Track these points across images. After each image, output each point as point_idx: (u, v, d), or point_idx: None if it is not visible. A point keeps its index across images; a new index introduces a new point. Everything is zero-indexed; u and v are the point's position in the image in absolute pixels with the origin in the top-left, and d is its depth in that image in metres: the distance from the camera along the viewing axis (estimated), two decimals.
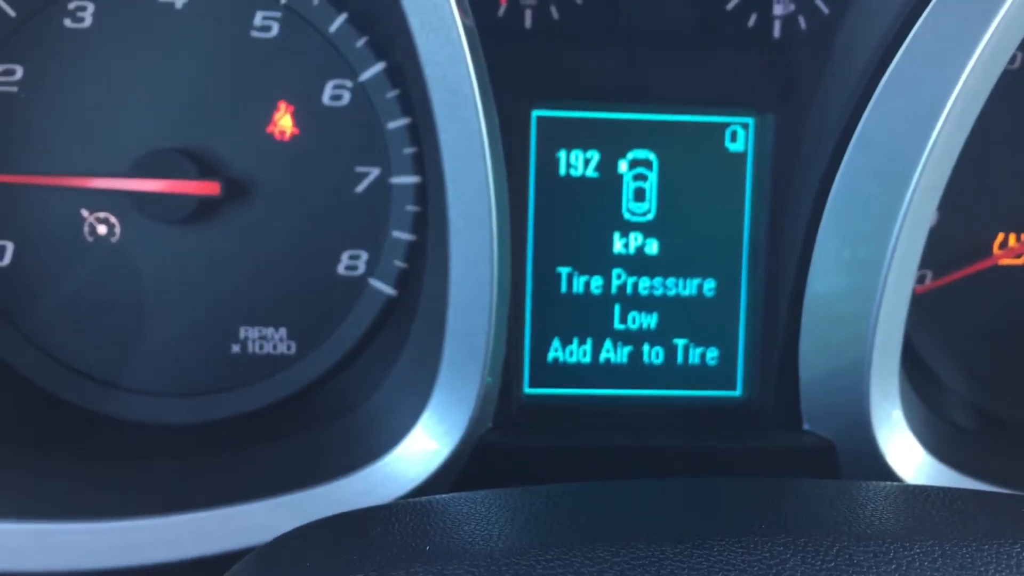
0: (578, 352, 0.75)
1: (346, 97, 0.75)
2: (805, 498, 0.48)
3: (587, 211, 0.74)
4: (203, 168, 0.73)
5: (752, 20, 0.74)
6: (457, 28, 0.62)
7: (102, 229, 0.75)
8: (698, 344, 0.75)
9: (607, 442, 0.72)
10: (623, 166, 0.74)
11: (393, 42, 0.73)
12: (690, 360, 0.76)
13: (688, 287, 0.75)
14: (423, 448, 0.67)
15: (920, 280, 0.79)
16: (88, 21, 0.73)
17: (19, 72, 0.73)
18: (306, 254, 0.76)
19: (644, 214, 0.74)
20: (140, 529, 0.63)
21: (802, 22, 0.75)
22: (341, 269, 0.77)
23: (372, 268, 0.77)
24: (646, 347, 0.75)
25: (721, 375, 0.76)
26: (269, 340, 0.77)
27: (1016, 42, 0.63)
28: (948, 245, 0.78)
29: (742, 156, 0.74)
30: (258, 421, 0.77)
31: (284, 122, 0.75)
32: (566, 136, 0.73)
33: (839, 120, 0.69)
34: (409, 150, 0.75)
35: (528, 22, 0.74)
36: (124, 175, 0.73)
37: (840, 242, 0.68)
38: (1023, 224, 0.80)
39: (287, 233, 0.76)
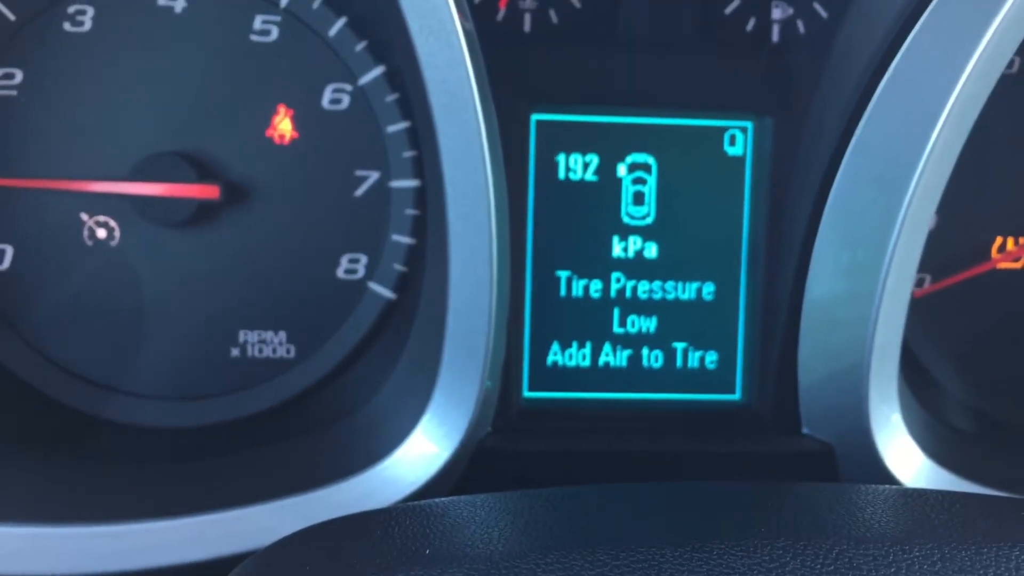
0: (577, 356, 0.75)
1: (345, 101, 0.75)
2: (804, 501, 0.48)
3: (586, 215, 0.74)
4: (202, 172, 0.73)
5: (751, 24, 0.75)
6: (456, 32, 0.62)
7: (101, 233, 0.75)
8: (697, 348, 0.76)
9: (606, 446, 0.72)
10: (622, 170, 0.74)
11: (392, 46, 0.73)
12: (689, 364, 0.76)
13: (687, 291, 0.75)
14: (423, 452, 0.67)
15: (919, 284, 0.79)
16: (88, 25, 0.73)
17: (19, 76, 0.73)
18: (305, 258, 0.76)
19: (643, 218, 0.74)
20: (139, 533, 0.62)
21: (800, 26, 0.75)
22: (341, 273, 0.77)
23: (371, 272, 0.77)
24: (645, 351, 0.75)
25: (720, 379, 0.76)
26: (269, 344, 0.77)
27: (1014, 47, 0.63)
28: (947, 249, 0.79)
29: (741, 160, 0.74)
30: (257, 425, 0.77)
31: (284, 126, 0.75)
32: (565, 140, 0.73)
33: (837, 124, 0.69)
34: (408, 154, 0.75)
35: (527, 26, 0.74)
36: (124, 179, 0.73)
37: (839, 246, 0.69)
38: (1021, 228, 0.80)
39: (286, 236, 0.76)
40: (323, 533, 0.47)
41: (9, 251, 0.75)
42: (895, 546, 0.41)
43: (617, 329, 0.75)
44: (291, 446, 0.73)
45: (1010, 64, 0.77)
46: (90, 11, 0.73)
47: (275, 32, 0.74)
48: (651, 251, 0.74)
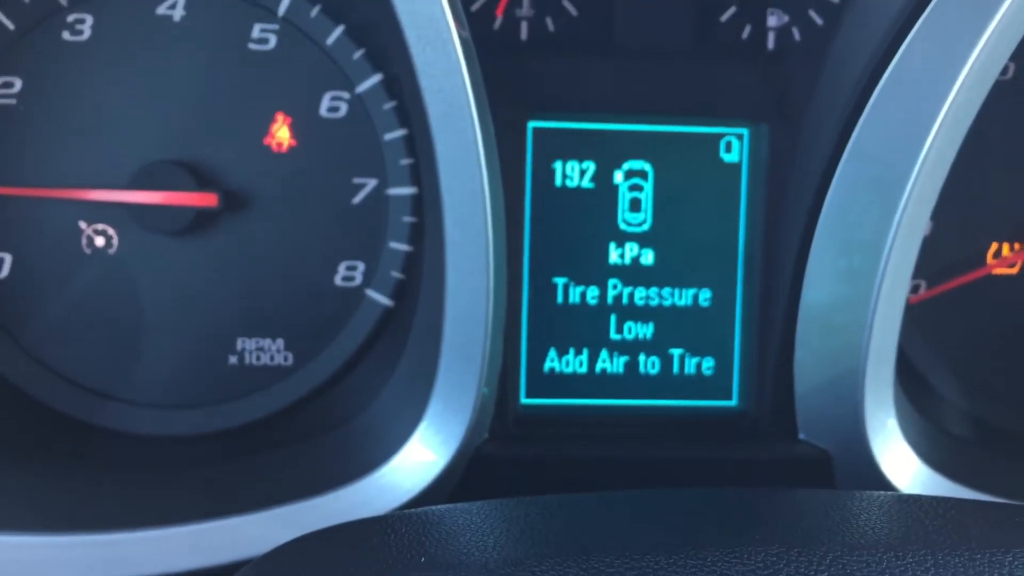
0: (574, 362, 0.75)
1: (343, 109, 0.75)
2: (799, 508, 0.49)
3: (583, 221, 0.74)
4: (201, 180, 0.74)
5: (746, 32, 0.75)
6: (453, 40, 0.62)
7: (100, 241, 0.75)
8: (694, 354, 0.76)
9: (603, 452, 0.72)
10: (619, 177, 0.74)
11: (390, 54, 0.74)
12: (686, 370, 0.76)
13: (684, 297, 0.75)
14: (420, 459, 0.67)
15: (914, 290, 0.79)
16: (87, 34, 0.74)
17: (18, 84, 0.73)
18: (303, 265, 0.76)
19: (640, 224, 0.74)
20: (136, 541, 0.63)
21: (796, 34, 0.75)
22: (338, 280, 0.77)
23: (369, 279, 0.77)
24: (642, 357, 0.75)
25: (717, 385, 0.76)
26: (266, 351, 0.77)
27: (1008, 53, 0.64)
28: (942, 255, 0.79)
29: (737, 167, 0.74)
30: (255, 432, 0.77)
31: (281, 134, 0.75)
32: (562, 147, 0.73)
33: (833, 130, 0.69)
34: (406, 161, 0.75)
35: (524, 34, 0.74)
36: (122, 187, 0.73)
37: (834, 252, 0.69)
38: (1017, 234, 0.80)
39: (284, 244, 0.76)
40: (320, 541, 0.47)
41: (7, 259, 0.75)
42: (888, 552, 0.41)
43: (614, 336, 0.75)
44: (288, 454, 0.73)
45: (1004, 70, 0.78)
46: (89, 20, 0.73)
47: (273, 40, 0.75)
48: (647, 258, 0.75)
